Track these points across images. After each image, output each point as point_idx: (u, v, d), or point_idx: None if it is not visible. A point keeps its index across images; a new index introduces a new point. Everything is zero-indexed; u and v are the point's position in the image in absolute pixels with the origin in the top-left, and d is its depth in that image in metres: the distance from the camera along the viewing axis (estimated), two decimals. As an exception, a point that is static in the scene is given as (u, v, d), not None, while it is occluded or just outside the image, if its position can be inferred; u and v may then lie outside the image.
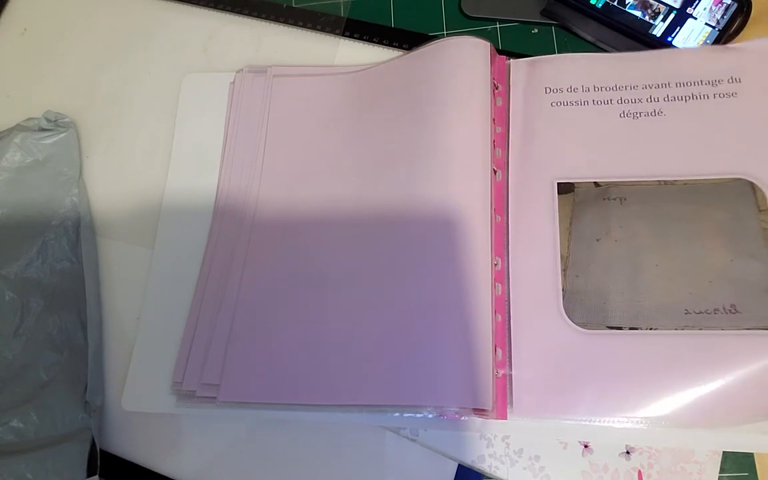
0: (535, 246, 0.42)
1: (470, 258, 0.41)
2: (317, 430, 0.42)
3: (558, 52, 0.49)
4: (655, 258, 0.40)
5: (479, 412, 0.39)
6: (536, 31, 0.51)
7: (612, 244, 0.41)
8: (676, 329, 0.38)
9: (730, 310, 0.38)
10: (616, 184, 0.42)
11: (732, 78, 0.43)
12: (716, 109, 0.43)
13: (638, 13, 0.47)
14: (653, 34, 0.46)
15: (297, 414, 0.41)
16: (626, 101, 0.44)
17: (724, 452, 0.38)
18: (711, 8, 0.46)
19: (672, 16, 0.47)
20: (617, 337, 0.39)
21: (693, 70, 0.44)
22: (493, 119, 0.45)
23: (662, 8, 0.47)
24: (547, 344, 0.40)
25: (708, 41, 0.46)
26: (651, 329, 0.39)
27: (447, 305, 0.40)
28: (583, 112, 0.45)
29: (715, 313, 0.38)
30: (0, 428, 0.42)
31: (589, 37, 0.49)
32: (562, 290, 0.41)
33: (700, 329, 0.38)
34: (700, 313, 0.39)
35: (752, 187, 0.41)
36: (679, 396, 0.37)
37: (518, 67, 0.47)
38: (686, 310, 0.39)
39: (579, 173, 0.43)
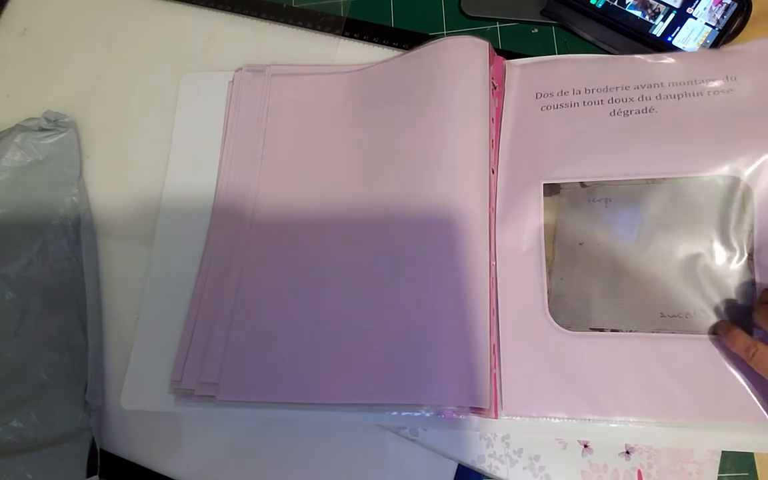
0: (522, 248, 0.42)
1: (469, 257, 0.41)
2: (317, 430, 0.42)
3: (558, 52, 0.49)
4: (635, 261, 0.41)
5: (476, 410, 0.39)
6: (536, 31, 0.51)
7: (595, 248, 0.41)
8: (652, 332, 0.39)
9: (702, 314, 0.39)
10: (602, 185, 0.42)
11: (728, 76, 0.43)
12: (709, 105, 0.42)
13: (638, 13, 0.47)
14: (653, 34, 0.46)
15: (296, 413, 0.41)
16: (617, 100, 0.44)
17: (723, 452, 0.38)
18: (711, 8, 0.46)
19: (672, 16, 0.46)
20: (599, 338, 0.40)
21: (688, 71, 0.44)
22: (492, 119, 0.45)
23: (662, 8, 0.47)
24: (534, 345, 0.40)
25: (708, 41, 0.45)
26: (631, 331, 0.40)
27: (446, 304, 0.40)
28: (573, 113, 0.44)
29: (686, 318, 0.39)
30: (0, 428, 0.42)
31: (589, 37, 0.49)
32: (548, 292, 0.41)
33: (673, 333, 0.39)
34: (674, 316, 0.39)
35: (739, 185, 0.40)
36: (658, 395, 0.38)
37: (511, 70, 0.47)
38: (661, 313, 0.40)
39: (567, 174, 0.43)
